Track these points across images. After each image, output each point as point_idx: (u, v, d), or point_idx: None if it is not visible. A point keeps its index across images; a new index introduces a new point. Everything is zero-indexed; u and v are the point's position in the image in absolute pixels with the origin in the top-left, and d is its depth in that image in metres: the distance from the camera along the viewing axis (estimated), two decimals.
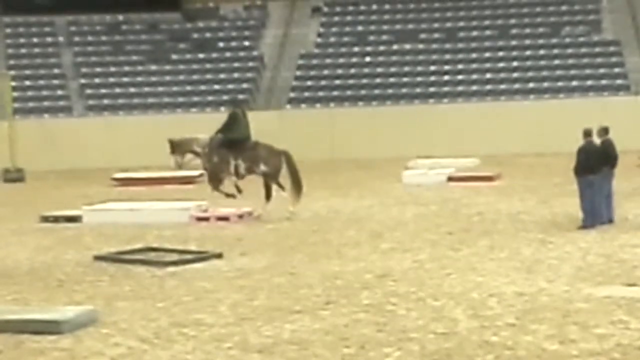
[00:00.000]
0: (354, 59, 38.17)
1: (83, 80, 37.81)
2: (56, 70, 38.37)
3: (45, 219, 18.87)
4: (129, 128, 33.94)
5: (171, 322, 10.07)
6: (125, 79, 37.69)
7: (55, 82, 37.84)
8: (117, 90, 37.34)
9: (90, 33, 39.82)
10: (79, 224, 18.37)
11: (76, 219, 18.64)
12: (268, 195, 18.66)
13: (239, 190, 18.90)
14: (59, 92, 37.46)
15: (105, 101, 36.93)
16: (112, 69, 38.10)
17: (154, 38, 39.46)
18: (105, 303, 11.07)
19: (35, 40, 39.46)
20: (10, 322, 9.80)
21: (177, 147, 19.54)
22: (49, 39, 39.65)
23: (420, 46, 38.36)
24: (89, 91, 37.38)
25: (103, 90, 37.41)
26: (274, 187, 18.63)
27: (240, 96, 36.77)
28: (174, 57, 38.61)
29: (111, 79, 37.68)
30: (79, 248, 15.44)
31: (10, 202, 23.84)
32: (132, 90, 37.26)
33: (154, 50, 38.78)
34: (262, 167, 18.55)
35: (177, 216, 18.18)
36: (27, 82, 37.28)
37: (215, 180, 18.96)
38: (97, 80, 37.74)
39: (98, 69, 38.18)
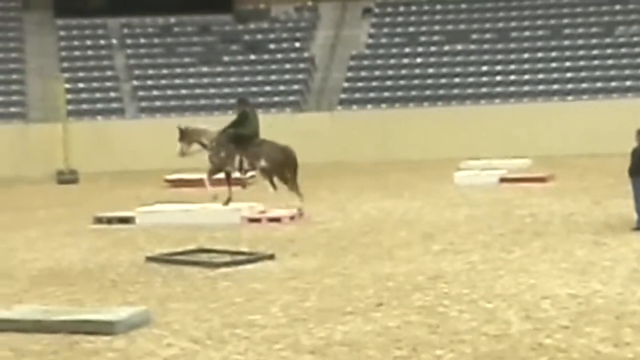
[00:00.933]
0: (405, 60, 38.10)
1: (135, 82, 38.10)
2: (109, 73, 38.69)
3: (99, 221, 19.01)
4: None
5: (223, 323, 10.10)
6: (177, 81, 37.93)
7: (108, 84, 38.17)
8: (169, 92, 37.59)
9: (142, 35, 40.12)
10: (132, 225, 18.50)
11: (129, 220, 18.77)
12: (298, 193, 18.69)
13: (244, 186, 18.94)
14: (112, 94, 37.78)
15: (158, 103, 37.17)
16: (164, 71, 38.36)
17: (206, 40, 39.67)
18: (158, 304, 11.12)
19: (88, 42, 39.82)
20: (64, 322, 9.89)
21: (186, 136, 19.55)
22: (102, 42, 40.00)
23: (472, 47, 38.19)
24: (141, 93, 37.65)
25: (155, 92, 37.67)
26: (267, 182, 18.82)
27: (291, 97, 36.88)
28: (226, 58, 38.79)
29: (163, 81, 37.94)
30: (132, 249, 15.55)
31: (64, 203, 24.07)
32: (183, 92, 37.49)
33: (205, 52, 38.98)
34: (262, 163, 18.65)
35: (229, 217, 18.24)
36: (81, 85, 37.63)
37: (215, 173, 19.11)
38: (149, 82, 38.01)
39: (150, 71, 38.45)
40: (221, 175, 19.28)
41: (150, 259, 14.30)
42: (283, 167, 18.68)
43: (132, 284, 12.57)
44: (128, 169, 32.87)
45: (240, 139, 18.86)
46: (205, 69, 38.38)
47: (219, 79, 37.93)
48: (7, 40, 39.50)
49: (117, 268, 13.81)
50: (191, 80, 37.96)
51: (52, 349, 9.26)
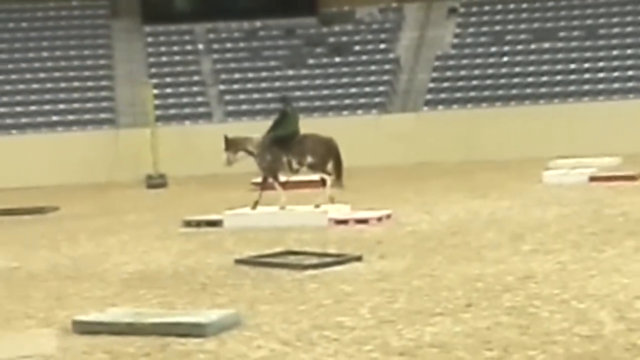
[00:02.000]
0: (491, 59, 37.83)
1: (222, 87, 38.43)
2: (196, 77, 39.09)
3: (188, 224, 19.21)
4: None
5: (312, 325, 10.11)
6: (263, 85, 38.17)
7: (195, 89, 38.56)
8: (255, 95, 37.83)
9: (228, 40, 40.46)
10: (220, 228, 18.65)
11: (217, 223, 18.93)
12: (339, 186, 18.93)
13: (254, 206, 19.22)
14: (199, 99, 38.16)
15: (244, 107, 37.44)
16: (250, 74, 38.62)
17: (291, 43, 39.85)
18: (247, 306, 11.18)
19: (175, 48, 40.30)
20: (156, 324, 10.00)
21: (231, 145, 19.86)
22: (188, 47, 40.43)
23: (559, 44, 37.76)
24: (227, 97, 37.96)
25: (241, 96, 37.94)
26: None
27: (377, 99, 36.84)
28: (311, 61, 38.92)
29: (249, 85, 38.21)
30: (220, 252, 15.67)
31: (153, 207, 24.37)
32: (269, 95, 37.69)
33: (290, 55, 39.15)
34: (309, 159, 18.83)
35: (316, 219, 18.28)
36: (168, 90, 38.08)
37: (274, 177, 19.49)
38: (235, 86, 38.31)
39: (236, 75, 38.75)
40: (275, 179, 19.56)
41: (239, 261, 14.40)
42: (327, 159, 18.80)
43: (222, 286, 12.66)
44: (216, 172, 33.12)
45: (283, 139, 19.01)
46: (290, 72, 38.56)
47: (304, 82, 38.07)
48: (96, 48, 40.15)
49: (206, 271, 13.92)
50: (277, 84, 38.16)
51: (144, 351, 9.37)
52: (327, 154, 18.83)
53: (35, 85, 38.09)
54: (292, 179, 20.17)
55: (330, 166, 18.94)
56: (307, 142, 18.95)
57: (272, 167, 19.33)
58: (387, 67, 38.69)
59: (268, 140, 19.26)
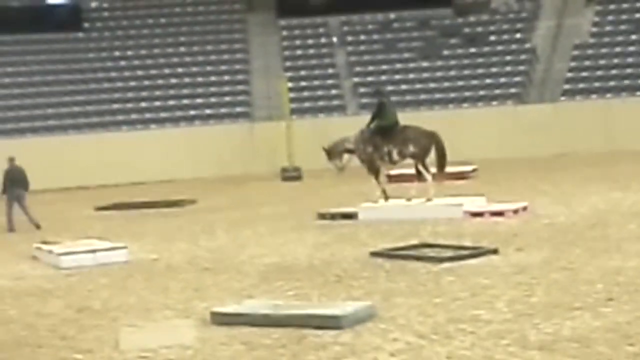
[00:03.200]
0: (632, 48, 36.94)
1: (356, 79, 38.47)
2: (330, 70, 39.23)
3: (322, 216, 19.32)
4: None
5: (448, 318, 10.04)
6: (397, 77, 38.06)
7: (330, 81, 38.70)
8: (390, 87, 37.70)
9: (362, 32, 40.48)
10: (355, 220, 18.69)
11: (352, 215, 18.98)
12: (419, 178, 18.89)
13: (386, 197, 19.16)
14: (333, 92, 38.28)
15: None
16: (384, 67, 38.56)
17: (426, 34, 39.65)
18: (382, 298, 11.18)
19: (309, 41, 40.53)
20: (292, 316, 10.07)
21: (332, 152, 20.11)
22: (323, 40, 40.61)
23: None
24: (362, 90, 37.99)
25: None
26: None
27: (513, 89, 36.38)
28: (446, 52, 38.65)
29: (383, 77, 38.14)
30: (355, 244, 15.70)
31: (288, 200, 24.57)
32: (404, 87, 37.58)
33: (425, 46, 38.95)
34: (411, 149, 18.80)
35: (451, 212, 18.16)
36: (303, 83, 38.32)
37: (374, 170, 19.56)
38: (369, 79, 38.29)
39: (370, 68, 38.74)
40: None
41: (373, 254, 14.41)
42: (429, 150, 18.71)
43: (357, 279, 12.69)
44: (350, 165, 33.19)
45: (384, 130, 19.04)
46: (425, 64, 38.37)
47: (439, 74, 37.84)
48: (233, 42, 40.70)
49: (341, 263, 13.97)
50: (411, 76, 38.02)
51: (281, 342, 9.45)
52: (429, 145, 18.83)
53: (173, 80, 38.83)
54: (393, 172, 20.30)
55: (428, 159, 18.88)
56: (409, 132, 19.06)
57: (372, 160, 19.43)
58: (523, 57, 38.16)
59: (369, 132, 19.44)
